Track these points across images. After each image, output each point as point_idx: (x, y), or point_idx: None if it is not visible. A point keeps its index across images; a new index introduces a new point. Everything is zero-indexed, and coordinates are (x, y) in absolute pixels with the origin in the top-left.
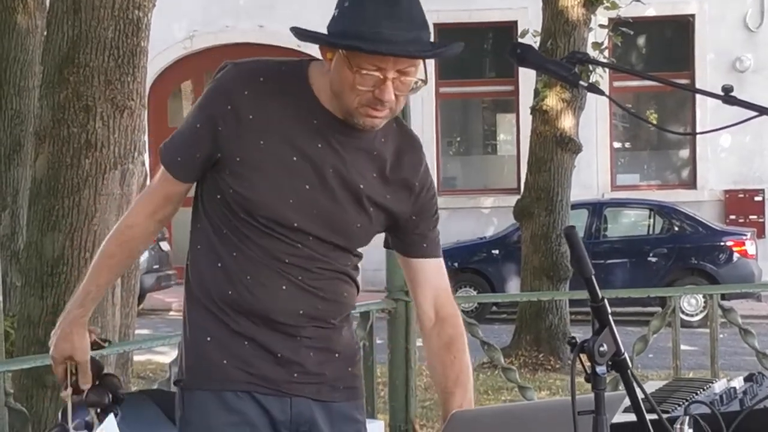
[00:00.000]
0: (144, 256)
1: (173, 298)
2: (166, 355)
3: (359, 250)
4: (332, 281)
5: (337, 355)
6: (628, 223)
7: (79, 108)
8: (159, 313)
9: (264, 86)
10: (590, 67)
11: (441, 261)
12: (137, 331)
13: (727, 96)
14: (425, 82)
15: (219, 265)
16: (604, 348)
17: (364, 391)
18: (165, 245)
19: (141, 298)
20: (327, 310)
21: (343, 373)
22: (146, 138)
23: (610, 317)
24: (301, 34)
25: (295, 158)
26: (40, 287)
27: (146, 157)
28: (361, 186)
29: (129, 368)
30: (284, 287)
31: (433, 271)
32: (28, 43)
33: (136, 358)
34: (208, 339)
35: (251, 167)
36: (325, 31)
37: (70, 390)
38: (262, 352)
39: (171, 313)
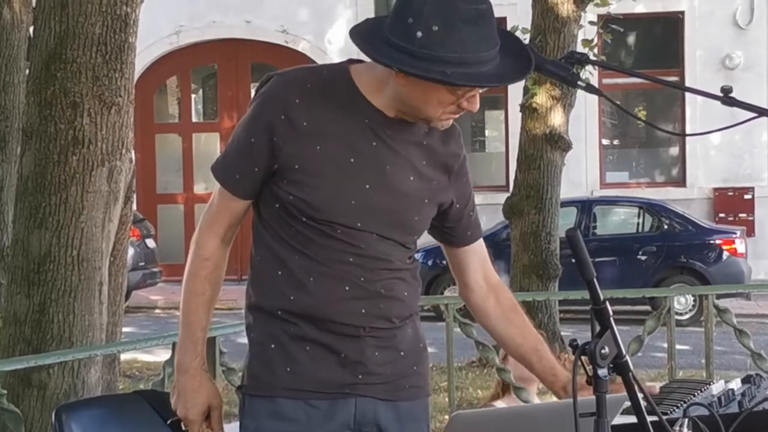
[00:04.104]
0: (130, 253)
1: (159, 296)
2: (152, 354)
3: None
4: (393, 281)
5: (401, 353)
6: (618, 221)
7: (67, 104)
8: (144, 310)
9: (312, 92)
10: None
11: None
12: (122, 329)
13: (726, 97)
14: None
15: (280, 272)
16: (606, 351)
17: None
18: (151, 242)
19: (126, 295)
20: (389, 309)
21: (408, 372)
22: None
23: (611, 320)
24: (384, 57)
25: (352, 159)
26: (26, 285)
27: (133, 153)
28: (412, 178)
29: (116, 367)
30: (347, 288)
31: (478, 247)
32: (13, 38)
33: (122, 356)
34: (273, 346)
35: (310, 173)
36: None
37: None
38: (325, 354)
39: (156, 310)
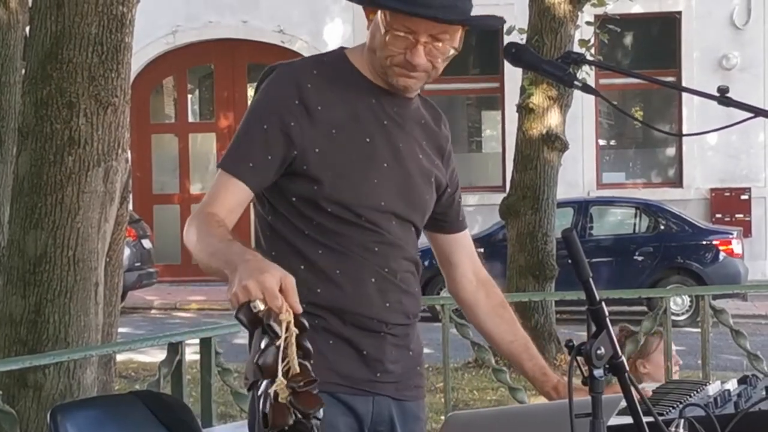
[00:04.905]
0: (125, 254)
1: (155, 296)
2: (148, 355)
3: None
4: (407, 274)
5: (411, 353)
6: (614, 222)
7: (63, 104)
8: (140, 311)
9: (320, 77)
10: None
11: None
12: (118, 330)
13: (723, 97)
14: (457, 50)
15: (302, 266)
16: (602, 351)
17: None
18: (147, 243)
19: (122, 296)
20: (408, 304)
21: (414, 372)
22: (128, 135)
23: (607, 320)
24: None
25: (368, 140)
26: (22, 286)
27: (129, 154)
28: (421, 156)
29: (112, 368)
30: (373, 280)
31: (467, 237)
32: (9, 38)
33: (117, 357)
34: None
35: (330, 157)
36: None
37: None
38: (348, 349)
39: (152, 311)
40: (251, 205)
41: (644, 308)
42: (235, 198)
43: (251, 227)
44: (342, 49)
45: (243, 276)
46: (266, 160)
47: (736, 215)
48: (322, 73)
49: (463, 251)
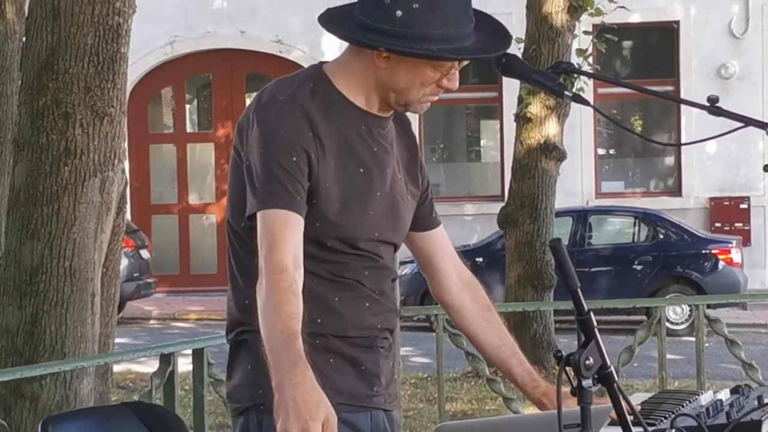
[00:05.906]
0: (123, 264)
1: (153, 307)
2: (146, 365)
3: None
4: (393, 292)
5: (392, 364)
6: (613, 231)
7: (59, 115)
8: (138, 321)
9: (316, 106)
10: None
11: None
12: (116, 340)
13: (713, 107)
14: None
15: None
16: (591, 361)
17: None
18: (145, 253)
19: (120, 306)
20: (393, 321)
21: (394, 380)
22: (125, 145)
23: (596, 330)
24: (366, 40)
25: (362, 170)
26: (18, 296)
27: (126, 164)
28: (400, 176)
29: (109, 378)
30: (368, 304)
31: (444, 237)
32: (6, 49)
33: (115, 367)
34: None
35: (334, 192)
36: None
37: None
38: (347, 366)
39: (151, 321)
40: (229, 240)
41: (643, 317)
42: (299, 233)
43: None
44: (321, 69)
45: (288, 417)
46: (304, 191)
47: (735, 224)
48: (317, 102)
49: (444, 253)
